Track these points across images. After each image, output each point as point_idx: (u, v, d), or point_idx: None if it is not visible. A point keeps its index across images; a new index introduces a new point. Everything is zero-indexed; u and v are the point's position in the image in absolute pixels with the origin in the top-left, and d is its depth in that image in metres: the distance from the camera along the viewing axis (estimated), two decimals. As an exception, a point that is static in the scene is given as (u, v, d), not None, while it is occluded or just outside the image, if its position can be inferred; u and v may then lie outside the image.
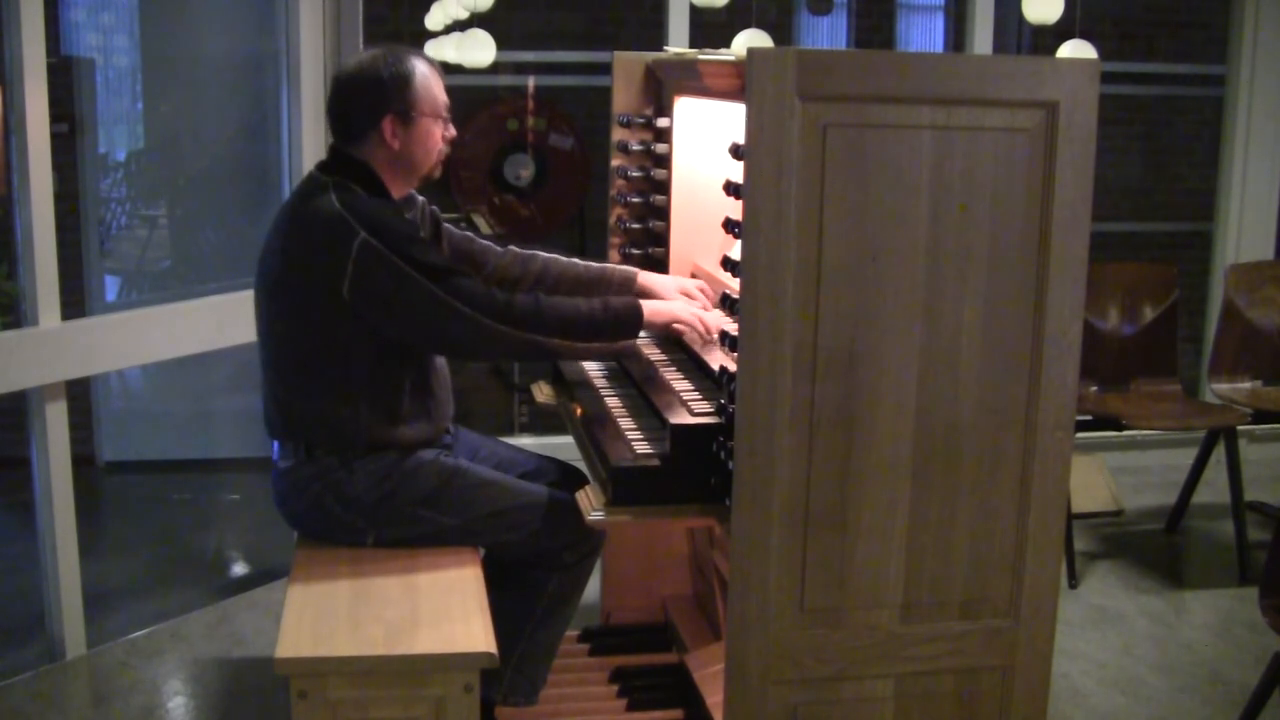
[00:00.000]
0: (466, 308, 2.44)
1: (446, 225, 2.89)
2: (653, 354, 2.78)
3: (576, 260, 2.96)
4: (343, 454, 2.55)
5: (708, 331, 2.65)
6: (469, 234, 2.94)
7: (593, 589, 2.95)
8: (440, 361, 2.70)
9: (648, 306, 2.62)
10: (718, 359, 2.46)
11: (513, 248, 2.96)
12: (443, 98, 2.61)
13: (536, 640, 2.70)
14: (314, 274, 2.47)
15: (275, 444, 2.63)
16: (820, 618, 2.13)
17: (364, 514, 2.57)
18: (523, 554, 2.67)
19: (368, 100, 2.54)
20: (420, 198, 2.80)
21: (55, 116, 3.32)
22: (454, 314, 2.44)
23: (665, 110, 3.04)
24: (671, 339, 2.82)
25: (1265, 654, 2.87)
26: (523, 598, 2.68)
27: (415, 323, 2.47)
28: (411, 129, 2.56)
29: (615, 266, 2.96)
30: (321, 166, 2.62)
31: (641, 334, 2.65)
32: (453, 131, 2.66)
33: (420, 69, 2.57)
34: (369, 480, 2.55)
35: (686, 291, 2.88)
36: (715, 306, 2.80)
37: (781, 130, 1.95)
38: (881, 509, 2.10)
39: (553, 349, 2.53)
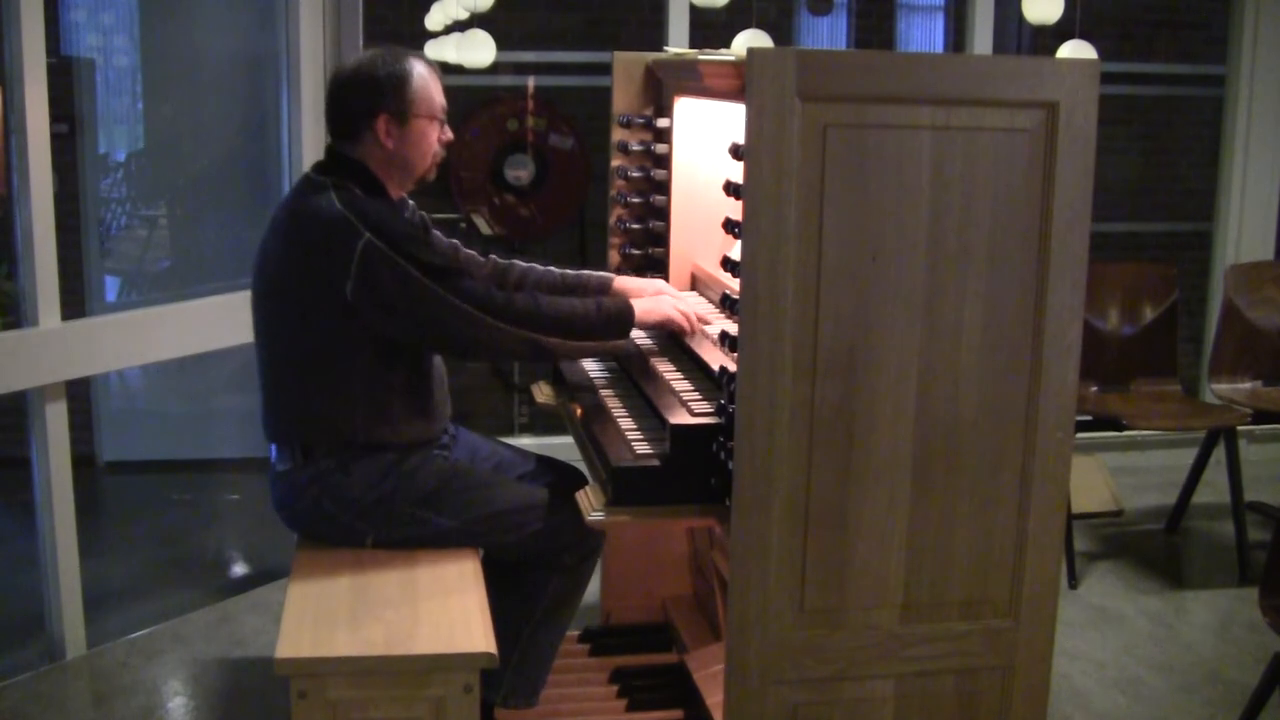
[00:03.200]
0: (469, 306, 2.45)
1: (435, 232, 2.90)
2: (653, 355, 2.78)
3: (553, 268, 3.00)
4: (340, 456, 2.55)
5: (690, 330, 2.68)
6: (455, 242, 2.96)
7: (593, 589, 2.95)
8: (437, 360, 2.71)
9: (639, 306, 2.64)
10: (718, 359, 2.46)
11: (493, 257, 3.00)
12: (440, 100, 2.61)
13: (536, 642, 2.70)
14: (315, 275, 2.47)
15: (273, 447, 2.63)
16: (820, 618, 2.13)
17: (362, 516, 2.57)
18: (522, 556, 2.67)
19: (363, 99, 2.54)
20: (410, 202, 2.80)
21: (55, 116, 3.32)
22: (456, 312, 2.45)
23: (665, 110, 3.04)
24: (673, 339, 2.82)
25: (1265, 654, 2.87)
26: (522, 600, 2.68)
27: (418, 322, 2.48)
28: (406, 130, 2.56)
29: (592, 272, 2.99)
30: (318, 167, 2.61)
31: (635, 333, 2.66)
32: (449, 134, 2.65)
33: (418, 70, 2.57)
34: (366, 482, 2.55)
35: (664, 293, 2.89)
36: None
37: (781, 130, 1.95)
38: (881, 509, 2.10)
39: (550, 347, 2.54)
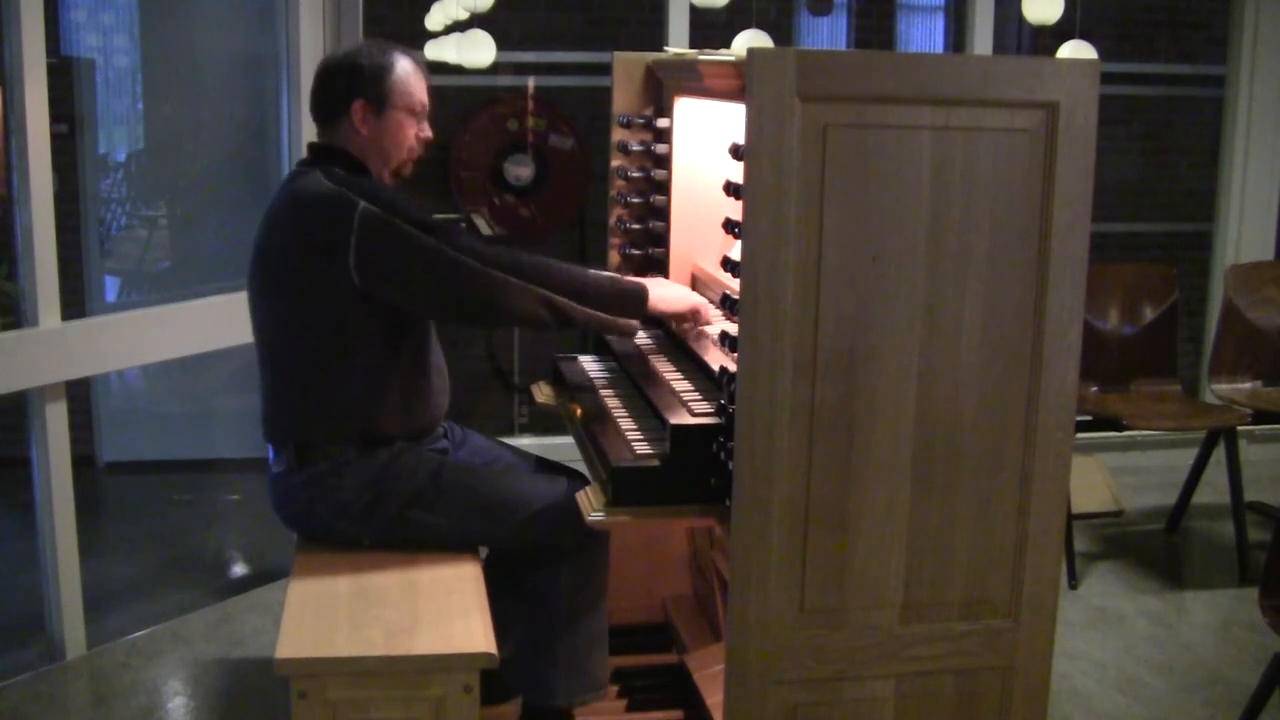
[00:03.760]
0: (476, 262, 2.44)
1: None
2: (653, 354, 2.78)
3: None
4: (334, 458, 2.55)
5: (709, 318, 2.67)
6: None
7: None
8: (437, 351, 2.70)
9: (654, 291, 2.63)
10: (718, 359, 2.46)
11: None
12: (420, 96, 2.63)
13: (577, 635, 2.64)
14: (315, 258, 2.47)
15: (270, 449, 2.64)
16: (820, 618, 2.13)
17: (356, 519, 2.57)
18: (522, 550, 2.64)
19: (344, 83, 2.59)
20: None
21: (55, 116, 3.32)
22: (465, 270, 2.44)
23: (665, 111, 3.04)
24: (672, 340, 2.82)
25: (1265, 654, 2.87)
26: (542, 600, 2.64)
27: (427, 286, 2.46)
28: (383, 119, 2.59)
29: (593, 269, 2.98)
30: (301, 162, 2.66)
31: (645, 322, 2.66)
32: (428, 133, 2.67)
33: (402, 64, 2.60)
34: (358, 485, 2.55)
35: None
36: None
37: (781, 130, 1.95)
38: (881, 509, 2.10)
39: (562, 308, 2.51)
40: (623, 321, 2.62)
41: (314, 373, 2.55)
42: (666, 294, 2.67)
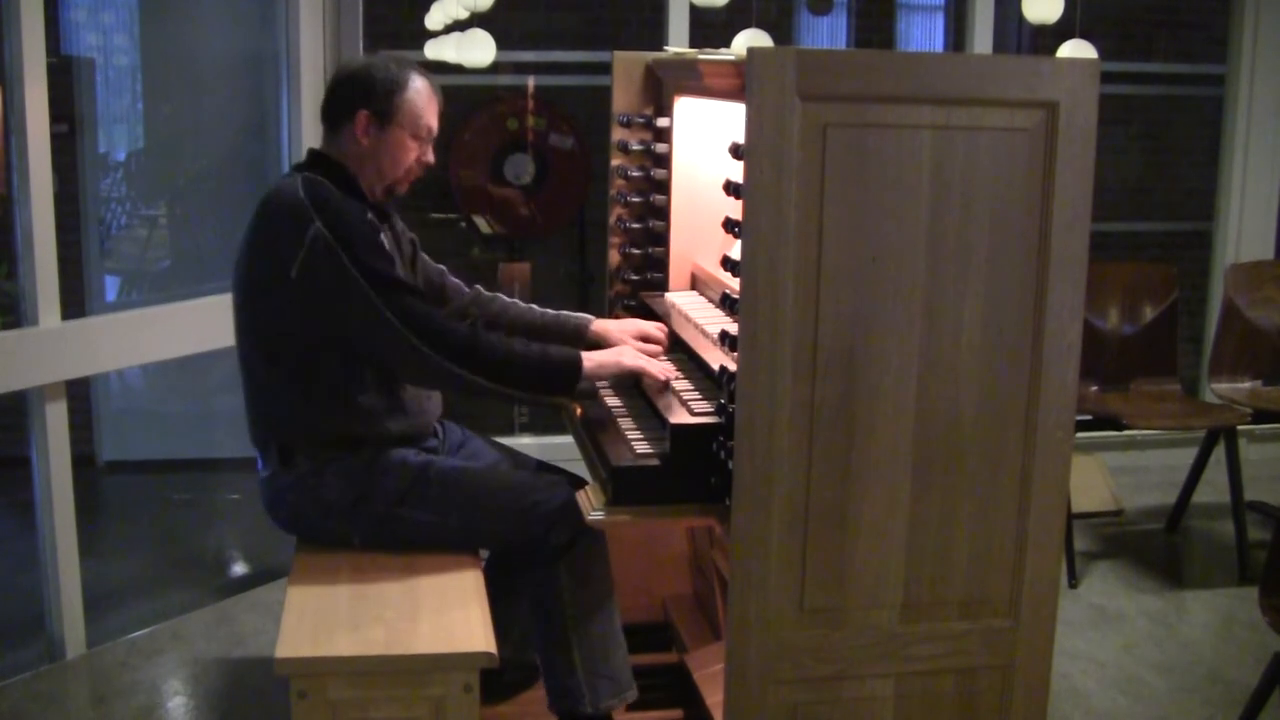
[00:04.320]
0: (399, 322, 2.43)
1: (423, 255, 2.91)
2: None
3: (534, 306, 2.99)
4: (316, 459, 2.56)
5: (659, 378, 2.58)
6: (443, 268, 2.96)
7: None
8: None
9: (591, 358, 2.57)
10: (718, 359, 2.46)
11: (479, 288, 2.99)
12: (427, 121, 2.62)
13: (590, 637, 2.59)
14: (269, 259, 2.49)
15: (258, 453, 2.64)
16: (820, 618, 2.13)
17: (342, 518, 2.58)
18: (517, 549, 2.64)
19: (353, 91, 2.59)
20: (401, 223, 2.80)
21: (55, 116, 3.32)
22: (386, 326, 2.43)
23: (665, 110, 3.04)
24: (673, 339, 2.82)
25: (1265, 654, 2.87)
26: (547, 607, 2.60)
27: (349, 325, 2.47)
28: (385, 134, 2.59)
29: (570, 314, 2.95)
30: (296, 166, 2.67)
31: (601, 384, 2.62)
32: (430, 157, 2.67)
33: (416, 85, 2.60)
34: (341, 484, 2.55)
35: (645, 334, 2.85)
36: (669, 348, 2.81)
37: (781, 130, 1.95)
38: (881, 509, 2.10)
39: (478, 388, 2.48)
40: (552, 400, 2.59)
41: (283, 380, 2.56)
42: (604, 359, 2.60)
